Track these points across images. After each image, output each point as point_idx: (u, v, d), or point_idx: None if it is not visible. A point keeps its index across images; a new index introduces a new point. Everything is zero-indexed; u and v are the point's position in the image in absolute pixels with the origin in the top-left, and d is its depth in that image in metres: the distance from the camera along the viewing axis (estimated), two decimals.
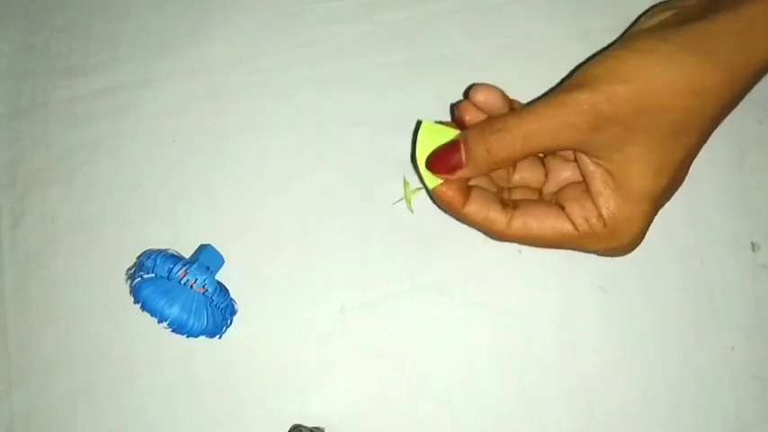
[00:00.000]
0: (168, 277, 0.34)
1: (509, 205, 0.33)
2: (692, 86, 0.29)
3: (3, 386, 0.37)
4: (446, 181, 0.32)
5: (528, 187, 0.35)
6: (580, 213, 0.32)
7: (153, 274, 0.34)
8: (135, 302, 0.35)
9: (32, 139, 0.39)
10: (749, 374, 0.36)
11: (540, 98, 0.31)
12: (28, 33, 0.41)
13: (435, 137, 0.33)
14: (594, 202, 0.31)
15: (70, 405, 0.37)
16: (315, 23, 0.40)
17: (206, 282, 0.34)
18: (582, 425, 0.36)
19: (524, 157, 0.31)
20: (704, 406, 0.36)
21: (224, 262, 0.37)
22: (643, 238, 0.32)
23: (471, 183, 0.33)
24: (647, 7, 0.34)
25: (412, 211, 0.37)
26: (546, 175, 0.35)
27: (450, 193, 0.32)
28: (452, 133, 0.33)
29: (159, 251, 0.35)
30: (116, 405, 0.37)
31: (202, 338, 0.36)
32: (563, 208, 0.32)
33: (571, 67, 0.36)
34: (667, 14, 0.32)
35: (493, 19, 0.39)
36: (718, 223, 0.37)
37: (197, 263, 0.35)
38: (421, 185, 0.37)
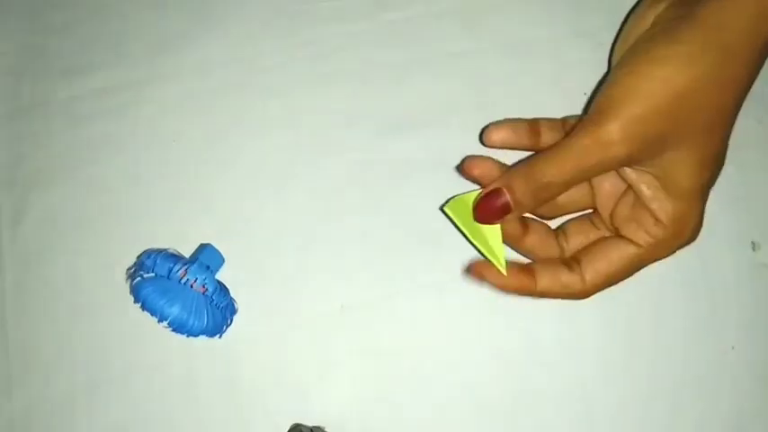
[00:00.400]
0: (168, 276, 0.34)
1: (572, 263, 0.33)
2: (717, 83, 0.29)
3: (3, 386, 0.37)
4: (509, 271, 0.32)
5: (578, 217, 0.35)
6: (638, 229, 0.32)
7: (153, 274, 0.34)
8: (135, 302, 0.35)
9: (32, 139, 0.39)
10: (749, 374, 0.36)
11: (571, 132, 0.30)
12: (28, 33, 0.41)
13: (466, 207, 0.32)
14: (648, 209, 0.31)
15: (70, 405, 0.37)
16: (314, 23, 0.40)
17: (206, 281, 0.34)
18: (582, 425, 0.36)
19: (567, 191, 0.31)
20: (704, 406, 0.36)
21: (224, 262, 0.37)
22: (701, 225, 0.32)
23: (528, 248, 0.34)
24: None
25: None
26: (592, 188, 0.34)
27: (517, 281, 0.32)
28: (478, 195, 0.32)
29: (159, 250, 0.35)
30: (116, 405, 0.37)
31: (202, 338, 0.36)
32: (620, 231, 0.32)
33: (571, 68, 0.36)
34: (664, 4, 0.31)
35: (493, 19, 0.39)
36: (718, 223, 0.37)
37: (197, 262, 0.35)
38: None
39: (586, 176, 0.30)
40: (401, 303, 0.37)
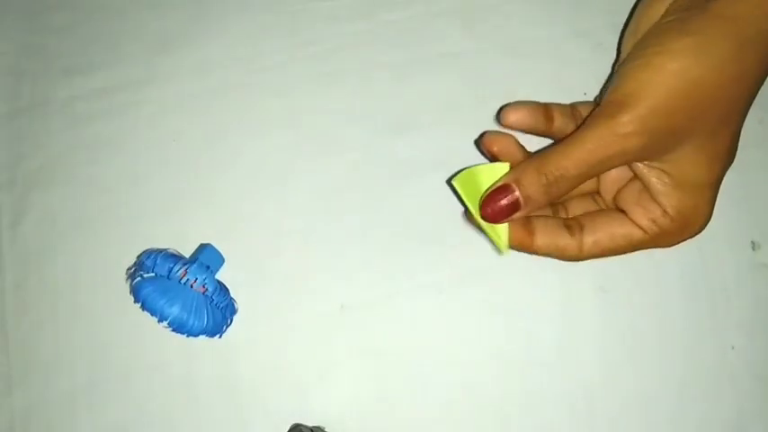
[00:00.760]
0: (168, 276, 0.34)
1: (575, 227, 0.32)
2: (731, 75, 0.28)
3: (3, 386, 0.37)
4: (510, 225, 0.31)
5: (581, 194, 0.34)
6: (645, 216, 0.31)
7: (153, 274, 0.34)
8: (135, 302, 0.35)
9: (32, 138, 0.39)
10: (749, 374, 0.36)
11: (582, 125, 0.30)
12: (28, 33, 0.40)
13: (475, 183, 0.31)
14: (656, 201, 0.31)
15: (70, 405, 0.37)
16: (314, 22, 0.40)
17: (206, 281, 0.34)
18: (582, 425, 0.36)
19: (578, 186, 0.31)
20: (704, 405, 0.36)
21: (224, 262, 0.37)
22: (710, 218, 0.32)
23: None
24: None
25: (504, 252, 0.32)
26: (598, 178, 0.34)
27: (518, 235, 0.32)
28: (490, 171, 0.31)
29: (159, 250, 0.35)
30: (116, 405, 0.37)
31: (202, 338, 0.36)
32: (625, 212, 0.32)
33: (571, 67, 0.36)
34: None
35: (493, 19, 0.39)
36: (719, 222, 0.37)
37: (197, 262, 0.35)
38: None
39: (600, 170, 0.30)
40: (401, 303, 0.37)
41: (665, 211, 0.31)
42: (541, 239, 0.32)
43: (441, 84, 0.38)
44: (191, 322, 0.35)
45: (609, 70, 0.37)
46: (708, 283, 0.37)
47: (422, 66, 0.39)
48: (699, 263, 0.37)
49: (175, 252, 0.36)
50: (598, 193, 0.34)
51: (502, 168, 0.31)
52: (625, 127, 0.28)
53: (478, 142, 0.33)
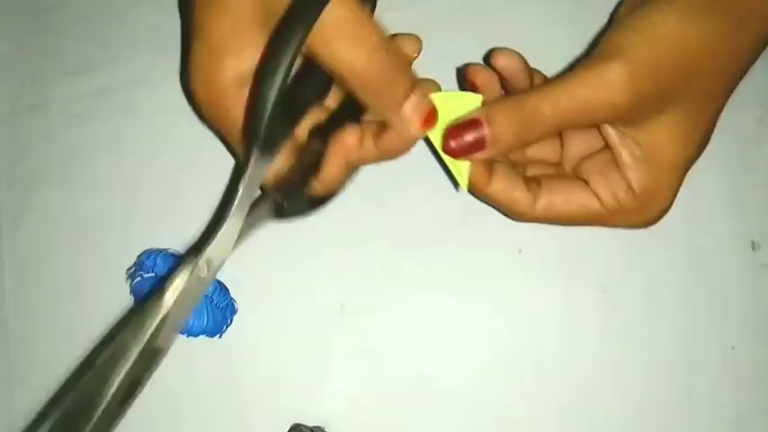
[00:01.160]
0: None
1: (532, 183, 0.31)
2: (726, 48, 0.28)
3: (3, 386, 0.37)
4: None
5: (544, 161, 0.33)
6: (607, 188, 0.30)
7: (153, 274, 0.34)
8: (135, 302, 0.35)
9: (32, 139, 0.39)
10: (749, 374, 0.36)
11: (569, 70, 0.29)
12: (28, 33, 0.40)
13: (443, 109, 0.29)
14: (622, 174, 0.30)
15: None
16: None
17: None
18: (582, 425, 0.36)
19: (550, 137, 0.30)
20: (704, 406, 0.36)
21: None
22: (669, 209, 0.31)
23: None
24: None
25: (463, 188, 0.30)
26: (561, 146, 0.33)
27: (476, 171, 0.29)
28: (460, 100, 0.29)
29: (159, 251, 0.35)
30: None
31: (202, 338, 0.36)
32: (587, 182, 0.31)
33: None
34: None
35: (493, 19, 0.39)
36: (719, 222, 0.37)
37: None
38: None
39: (580, 122, 0.28)
40: (401, 304, 0.37)
41: (629, 186, 0.30)
42: (498, 183, 0.30)
43: (441, 84, 0.38)
44: (191, 322, 0.35)
45: None
46: (708, 283, 0.37)
47: (422, 66, 0.39)
48: (699, 263, 0.37)
49: (175, 252, 0.36)
50: (560, 164, 0.33)
51: (474, 100, 0.29)
52: (615, 74, 0.27)
53: (461, 71, 0.31)
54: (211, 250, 0.27)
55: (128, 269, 0.37)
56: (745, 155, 0.38)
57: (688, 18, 0.27)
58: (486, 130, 0.28)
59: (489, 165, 0.30)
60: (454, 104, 0.29)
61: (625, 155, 0.29)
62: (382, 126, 0.29)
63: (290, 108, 0.29)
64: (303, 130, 0.31)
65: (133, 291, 0.36)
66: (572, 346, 0.37)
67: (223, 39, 0.28)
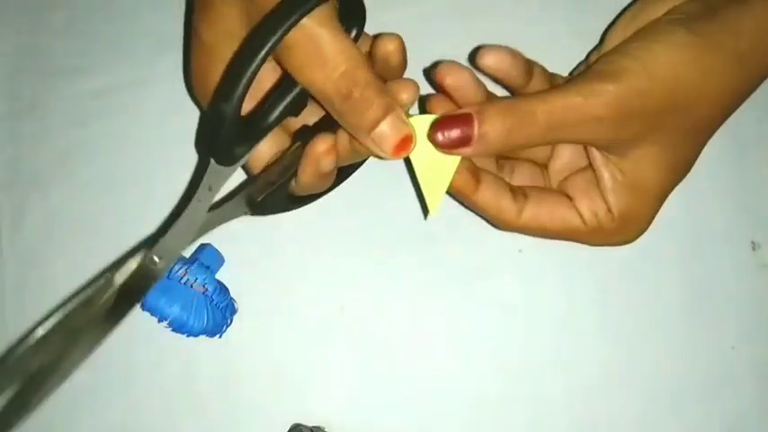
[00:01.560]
0: (168, 276, 0.34)
1: (519, 193, 0.31)
2: (719, 88, 0.28)
3: None
4: (460, 166, 0.29)
5: (533, 161, 0.34)
6: (589, 207, 0.31)
7: None
8: None
9: (32, 139, 0.39)
10: (749, 374, 0.36)
11: (565, 81, 0.29)
12: (28, 33, 0.40)
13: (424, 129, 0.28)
14: (604, 198, 0.30)
15: (70, 405, 0.37)
16: None
17: (206, 281, 0.34)
18: (582, 425, 0.36)
19: (536, 146, 0.30)
20: (704, 406, 0.36)
21: (224, 262, 0.37)
22: (646, 230, 0.31)
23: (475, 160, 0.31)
24: None
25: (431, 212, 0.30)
26: (551, 150, 0.33)
27: (464, 177, 0.30)
28: (418, 122, 0.28)
29: None
30: (116, 405, 0.37)
31: (202, 338, 0.36)
32: (572, 199, 0.31)
33: (572, 67, 0.36)
34: None
35: (493, 18, 0.39)
36: (718, 222, 0.37)
37: (197, 262, 0.35)
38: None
39: (568, 134, 0.28)
40: (401, 303, 0.37)
41: (608, 209, 0.30)
42: (485, 192, 0.30)
43: None
44: (191, 322, 0.35)
45: None
46: (708, 283, 0.37)
47: (421, 66, 0.39)
48: (699, 263, 0.37)
49: None
50: (546, 167, 0.33)
51: (426, 121, 0.28)
52: (608, 94, 0.27)
53: (429, 72, 0.30)
54: (164, 243, 0.30)
55: None
56: (745, 155, 0.38)
57: (688, 54, 0.28)
58: (475, 126, 0.27)
59: (476, 173, 0.30)
60: (416, 127, 0.28)
61: (607, 178, 0.30)
62: None
63: (257, 119, 0.30)
64: (291, 129, 0.32)
65: None
66: (572, 346, 0.37)
67: (214, 43, 0.30)
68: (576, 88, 0.28)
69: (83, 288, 0.29)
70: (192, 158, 0.39)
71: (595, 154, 0.30)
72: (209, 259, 0.36)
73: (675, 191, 0.32)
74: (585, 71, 0.29)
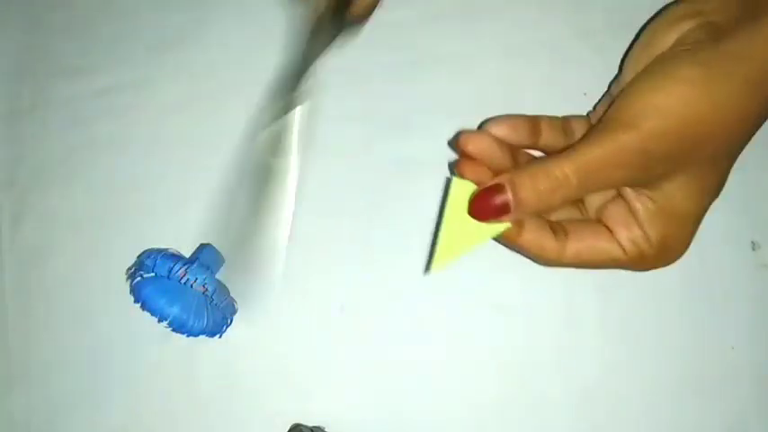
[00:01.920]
0: (168, 276, 0.34)
1: (559, 231, 0.32)
2: (736, 116, 0.29)
3: (3, 386, 0.37)
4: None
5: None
6: (628, 237, 0.31)
7: (153, 274, 0.34)
8: (135, 302, 0.35)
9: (32, 138, 0.39)
10: (749, 374, 0.36)
11: (586, 136, 0.30)
12: (28, 33, 0.41)
13: (466, 193, 0.30)
14: (641, 228, 0.31)
15: (70, 405, 0.37)
16: None
17: (206, 281, 0.34)
18: (582, 425, 0.36)
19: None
20: (704, 406, 0.36)
21: (224, 262, 0.37)
22: (687, 249, 0.32)
23: None
24: (647, 7, 0.34)
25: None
26: None
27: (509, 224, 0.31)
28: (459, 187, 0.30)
29: (159, 250, 0.35)
30: (116, 405, 0.37)
31: (202, 338, 0.36)
32: (611, 231, 0.32)
33: (572, 69, 0.36)
34: (689, 24, 0.30)
35: (493, 19, 0.39)
36: (718, 222, 0.37)
37: (197, 262, 0.35)
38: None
39: (599, 185, 0.29)
40: (401, 303, 0.37)
41: (647, 238, 0.31)
42: (528, 235, 0.31)
43: (441, 84, 0.38)
44: (191, 322, 0.35)
45: (609, 71, 0.37)
46: (708, 283, 0.37)
47: (422, 66, 0.39)
48: (699, 263, 0.37)
49: (175, 252, 0.36)
50: (582, 202, 0.34)
51: (463, 186, 0.30)
52: (630, 144, 0.28)
53: (452, 142, 0.33)
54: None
55: (128, 269, 0.37)
56: (746, 155, 0.37)
57: (698, 88, 0.28)
58: (509, 195, 0.29)
59: (520, 221, 0.31)
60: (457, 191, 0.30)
61: (641, 210, 0.31)
62: None
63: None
64: None
65: (133, 291, 0.35)
66: (572, 346, 0.37)
67: None
68: (599, 142, 0.29)
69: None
70: (191, 158, 0.39)
71: (627, 190, 0.31)
72: (209, 259, 0.36)
73: None
74: (605, 119, 0.30)
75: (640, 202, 0.31)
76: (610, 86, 0.35)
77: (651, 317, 0.37)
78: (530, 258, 0.33)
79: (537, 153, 0.35)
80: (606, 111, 0.30)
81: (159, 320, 0.35)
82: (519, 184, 0.29)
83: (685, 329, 0.37)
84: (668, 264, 0.32)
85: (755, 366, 0.36)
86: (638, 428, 0.36)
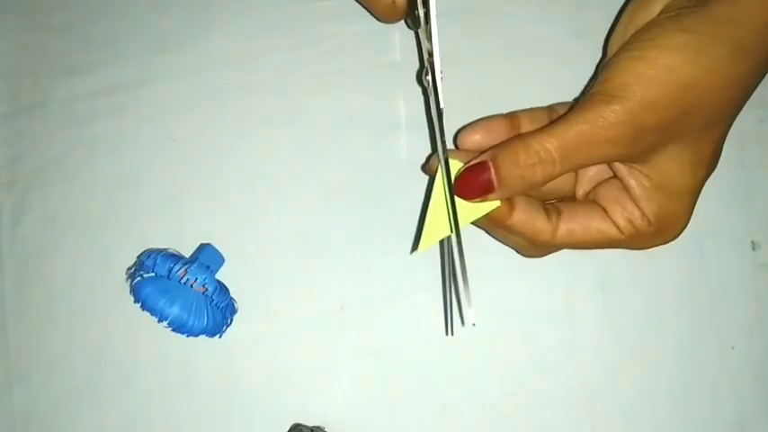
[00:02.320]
0: (168, 276, 0.34)
1: (552, 211, 0.31)
2: (724, 80, 0.28)
3: (3, 386, 0.37)
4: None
5: (559, 190, 0.33)
6: (623, 216, 0.30)
7: (153, 274, 0.34)
8: (135, 302, 0.35)
9: (32, 138, 0.39)
10: (749, 374, 0.36)
11: (569, 111, 0.29)
12: (28, 33, 0.40)
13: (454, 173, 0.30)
14: (636, 204, 0.30)
15: (70, 405, 0.37)
16: (315, 22, 0.40)
17: (206, 281, 0.34)
18: (582, 425, 0.36)
19: (557, 178, 0.30)
20: (704, 406, 0.36)
21: (224, 261, 0.37)
22: (688, 224, 0.31)
23: None
24: None
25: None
26: (576, 175, 0.33)
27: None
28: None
29: (159, 250, 0.35)
30: (116, 405, 0.37)
31: (202, 338, 0.36)
32: (605, 210, 0.31)
33: (572, 67, 0.36)
34: None
35: (493, 19, 0.39)
36: (718, 222, 0.37)
37: (197, 262, 0.35)
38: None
39: (584, 161, 0.28)
40: (401, 303, 0.37)
41: (643, 215, 0.30)
42: (519, 215, 0.30)
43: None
44: (191, 322, 0.35)
45: None
46: (708, 283, 0.37)
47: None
48: (699, 263, 0.37)
49: (175, 252, 0.36)
50: (574, 196, 0.33)
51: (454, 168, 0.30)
52: (616, 115, 0.27)
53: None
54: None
55: (128, 269, 0.37)
56: (745, 155, 0.38)
57: (685, 54, 0.27)
58: (492, 173, 0.29)
59: (511, 199, 0.30)
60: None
61: (635, 186, 0.30)
62: None
63: None
64: None
65: (133, 291, 0.36)
66: (572, 346, 0.37)
67: None
68: (583, 115, 0.28)
69: None
70: (191, 158, 0.39)
71: (618, 166, 0.30)
72: (209, 259, 0.36)
73: None
74: (588, 94, 0.29)
75: (634, 179, 0.30)
76: (596, 69, 0.35)
77: (651, 317, 0.37)
78: (516, 250, 0.32)
79: None
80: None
81: (159, 320, 0.35)
82: (500, 160, 0.29)
83: (685, 329, 0.37)
84: (668, 241, 0.31)
85: (755, 366, 0.36)
86: (638, 428, 0.36)
